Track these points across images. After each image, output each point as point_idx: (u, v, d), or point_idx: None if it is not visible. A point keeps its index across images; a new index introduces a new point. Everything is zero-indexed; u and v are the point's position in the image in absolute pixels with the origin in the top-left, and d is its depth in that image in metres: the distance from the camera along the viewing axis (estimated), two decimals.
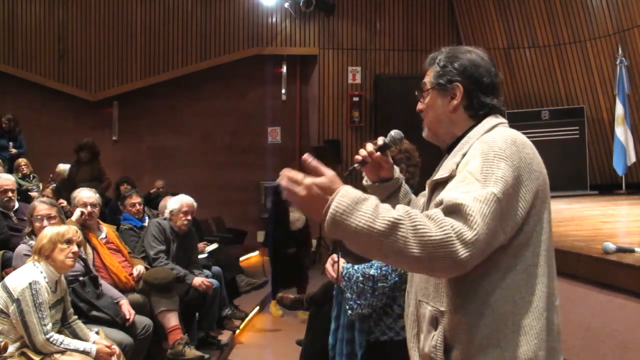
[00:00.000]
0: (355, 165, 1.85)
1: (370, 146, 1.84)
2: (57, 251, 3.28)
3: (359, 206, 1.32)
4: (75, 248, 3.36)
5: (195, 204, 5.05)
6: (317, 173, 1.39)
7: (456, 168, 1.53)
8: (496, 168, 1.41)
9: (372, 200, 1.35)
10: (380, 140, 1.85)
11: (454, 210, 1.35)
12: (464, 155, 1.54)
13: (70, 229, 3.41)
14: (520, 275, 1.46)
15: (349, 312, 2.61)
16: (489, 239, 1.35)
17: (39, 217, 3.93)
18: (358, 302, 2.57)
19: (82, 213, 4.30)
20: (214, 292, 4.97)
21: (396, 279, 2.54)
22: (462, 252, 1.31)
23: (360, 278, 2.57)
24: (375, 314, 2.60)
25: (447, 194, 1.41)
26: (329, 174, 1.37)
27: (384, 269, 2.56)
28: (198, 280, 4.76)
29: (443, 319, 1.50)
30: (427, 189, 1.69)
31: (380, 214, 1.32)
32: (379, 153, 1.83)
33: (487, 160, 1.44)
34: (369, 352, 2.60)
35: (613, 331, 2.94)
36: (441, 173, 1.59)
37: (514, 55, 9.79)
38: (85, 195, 4.43)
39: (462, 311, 1.46)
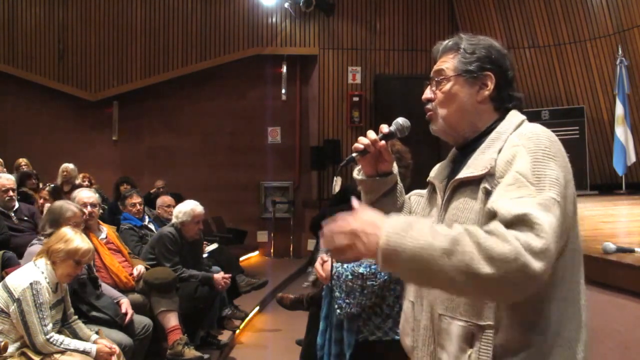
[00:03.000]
0: (354, 154, 1.63)
1: (372, 134, 1.62)
2: (65, 265, 3.26)
3: (412, 227, 1.21)
4: (80, 270, 3.39)
5: (203, 209, 5.02)
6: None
7: (495, 165, 1.38)
8: (548, 169, 1.30)
9: (425, 219, 1.25)
10: (385, 129, 1.64)
11: (517, 221, 1.22)
12: (499, 151, 1.41)
13: (88, 251, 3.35)
14: (566, 285, 1.38)
15: (338, 311, 2.59)
16: (558, 247, 1.24)
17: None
18: (347, 301, 2.55)
19: (83, 213, 4.29)
20: (215, 292, 4.98)
21: (385, 277, 2.52)
22: (535, 264, 1.17)
23: (350, 276, 2.55)
24: (364, 314, 2.59)
25: (501, 203, 1.27)
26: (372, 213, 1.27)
27: (373, 267, 2.54)
28: (219, 276, 4.89)
29: (484, 335, 1.36)
30: (441, 188, 1.55)
31: (439, 231, 1.20)
32: (383, 142, 1.62)
33: (536, 159, 1.32)
34: (358, 352, 2.59)
35: (613, 331, 2.94)
36: (471, 171, 1.43)
37: (514, 55, 9.75)
38: (85, 195, 4.43)
39: (515, 326, 1.34)
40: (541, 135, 1.38)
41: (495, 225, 1.23)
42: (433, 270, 1.19)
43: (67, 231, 3.38)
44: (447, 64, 1.53)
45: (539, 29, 9.55)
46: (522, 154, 1.34)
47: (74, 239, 3.32)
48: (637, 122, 8.65)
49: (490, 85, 1.49)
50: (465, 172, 1.44)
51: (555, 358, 1.34)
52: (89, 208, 4.32)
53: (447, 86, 1.51)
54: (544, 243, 1.19)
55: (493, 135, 1.46)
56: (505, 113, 1.51)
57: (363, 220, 1.25)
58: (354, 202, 1.31)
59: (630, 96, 8.49)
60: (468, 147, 1.51)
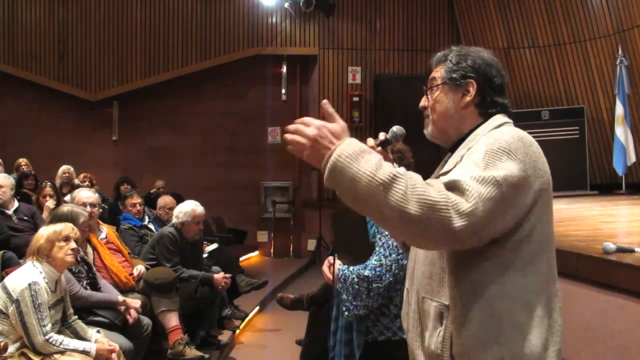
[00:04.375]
0: None
1: (371, 141, 1.81)
2: (56, 249, 3.28)
3: (364, 154, 1.34)
4: (73, 245, 3.35)
5: (203, 209, 5.01)
6: (332, 119, 1.40)
7: (461, 160, 1.53)
8: (498, 160, 1.42)
9: (377, 154, 1.36)
10: (382, 136, 1.83)
11: (452, 187, 1.36)
12: (468, 149, 1.54)
13: (66, 227, 3.39)
14: (518, 272, 1.46)
15: (346, 313, 2.61)
16: (486, 218, 1.35)
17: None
18: (354, 303, 2.57)
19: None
20: (215, 292, 4.98)
21: (390, 279, 2.54)
22: (457, 221, 1.31)
23: (356, 279, 2.56)
24: (373, 315, 2.60)
25: (447, 175, 1.43)
26: (341, 123, 1.39)
27: (377, 270, 2.55)
28: (219, 276, 4.88)
29: (449, 315, 1.50)
30: None
31: (384, 166, 1.33)
32: (380, 148, 1.80)
33: (491, 151, 1.44)
34: (367, 352, 2.61)
35: (613, 331, 2.94)
36: (447, 167, 1.59)
37: (514, 55, 9.78)
38: (85, 195, 4.44)
39: (461, 306, 1.46)
40: (505, 135, 1.49)
41: (435, 181, 1.38)
42: (367, 198, 1.32)
43: (40, 231, 3.45)
44: (437, 73, 1.68)
45: (539, 29, 9.54)
46: (480, 148, 1.47)
47: (47, 228, 3.39)
48: (637, 122, 8.65)
49: (472, 91, 1.62)
50: (443, 169, 1.60)
51: (504, 340, 1.44)
52: (88, 208, 4.33)
53: (436, 94, 1.66)
54: (470, 206, 1.33)
55: (470, 137, 1.60)
56: (489, 117, 1.63)
57: (326, 130, 1.38)
58: (324, 103, 1.43)
59: (630, 96, 8.49)
60: (455, 148, 1.64)
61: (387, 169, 1.33)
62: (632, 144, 8.30)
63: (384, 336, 2.60)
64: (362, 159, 1.33)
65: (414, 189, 1.31)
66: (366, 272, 2.56)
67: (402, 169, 1.36)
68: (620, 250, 3.07)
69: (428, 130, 1.70)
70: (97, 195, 4.65)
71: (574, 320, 3.13)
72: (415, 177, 1.35)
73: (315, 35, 10.23)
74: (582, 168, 8.93)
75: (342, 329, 2.74)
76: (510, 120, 1.62)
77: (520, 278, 1.46)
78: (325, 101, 1.43)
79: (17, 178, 6.52)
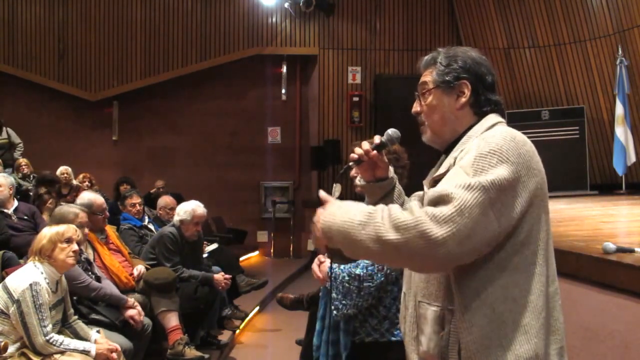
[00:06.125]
0: (351, 163, 1.82)
1: (366, 144, 1.81)
2: (58, 250, 3.28)
3: (343, 206, 1.44)
4: (75, 247, 3.35)
5: (205, 211, 5.01)
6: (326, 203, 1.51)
7: (454, 163, 1.52)
8: (488, 164, 1.41)
9: (355, 203, 1.45)
10: (377, 139, 1.81)
11: (439, 200, 1.38)
12: (461, 151, 1.54)
13: (69, 228, 3.40)
14: (520, 274, 1.46)
15: (335, 312, 2.58)
16: (474, 223, 1.34)
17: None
18: (344, 302, 2.55)
19: (104, 217, 4.40)
20: (215, 292, 4.98)
21: (382, 278, 2.52)
22: (436, 231, 1.32)
23: (346, 278, 2.55)
24: (361, 315, 2.58)
25: (434, 188, 1.43)
26: (330, 199, 1.50)
27: (369, 268, 2.53)
28: (219, 276, 4.89)
29: (454, 319, 1.49)
30: (425, 187, 1.67)
31: (360, 208, 1.41)
32: (375, 151, 1.80)
33: (481, 155, 1.43)
34: (354, 353, 2.58)
35: (613, 331, 2.94)
36: (441, 170, 1.59)
37: (514, 55, 9.78)
38: (101, 200, 4.54)
39: (464, 310, 1.46)
40: (497, 137, 1.48)
41: (411, 203, 1.43)
42: (354, 240, 1.39)
43: (43, 231, 3.44)
44: (428, 77, 1.66)
45: (539, 29, 9.54)
46: (472, 152, 1.47)
47: (50, 229, 3.38)
48: (637, 122, 8.65)
49: (467, 92, 1.61)
50: (437, 172, 1.61)
51: (508, 343, 1.44)
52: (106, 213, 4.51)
53: (429, 98, 1.64)
54: (451, 212, 1.33)
55: (464, 138, 1.59)
56: (483, 117, 1.62)
57: (319, 211, 1.49)
58: (320, 192, 1.54)
59: (630, 96, 8.49)
60: (449, 150, 1.63)
61: (363, 210, 1.40)
62: (632, 144, 8.30)
63: (371, 337, 2.58)
64: (341, 209, 1.43)
65: (389, 218, 1.37)
66: (357, 271, 2.54)
67: (379, 206, 1.41)
68: (620, 250, 3.06)
69: (427, 136, 1.68)
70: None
71: (574, 320, 3.12)
72: (392, 208, 1.39)
73: (315, 35, 10.23)
74: (582, 168, 8.93)
75: (328, 329, 2.71)
76: (503, 120, 1.62)
77: (522, 280, 1.46)
78: (320, 191, 1.55)
79: (37, 180, 6.50)
